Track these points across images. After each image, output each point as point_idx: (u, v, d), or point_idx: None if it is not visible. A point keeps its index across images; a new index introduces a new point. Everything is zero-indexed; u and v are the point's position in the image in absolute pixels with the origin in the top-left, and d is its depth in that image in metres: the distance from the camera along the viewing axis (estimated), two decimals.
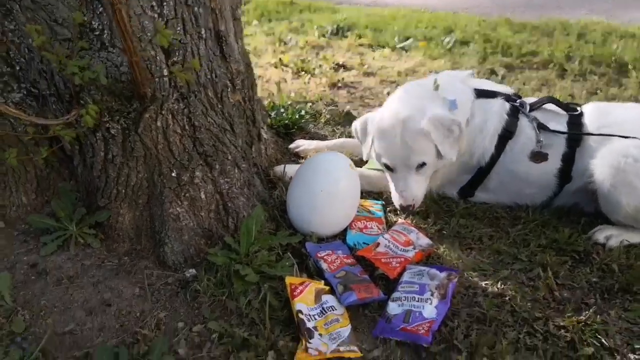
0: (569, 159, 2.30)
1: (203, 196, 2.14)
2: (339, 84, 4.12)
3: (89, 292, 1.99)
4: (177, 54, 1.98)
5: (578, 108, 2.39)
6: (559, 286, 1.96)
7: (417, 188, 2.28)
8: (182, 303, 1.96)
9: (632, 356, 1.71)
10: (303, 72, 4.38)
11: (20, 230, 2.28)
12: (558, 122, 2.34)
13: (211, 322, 1.81)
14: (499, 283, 1.98)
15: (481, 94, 2.40)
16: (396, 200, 2.33)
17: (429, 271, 1.96)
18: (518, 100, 2.41)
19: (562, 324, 1.79)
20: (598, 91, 3.69)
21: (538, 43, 4.71)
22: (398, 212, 2.40)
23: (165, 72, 1.93)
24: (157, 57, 1.93)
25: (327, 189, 2.14)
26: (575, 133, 2.28)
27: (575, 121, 2.32)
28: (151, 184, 2.11)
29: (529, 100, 2.45)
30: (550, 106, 2.40)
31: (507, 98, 2.40)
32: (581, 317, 1.80)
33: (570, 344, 1.75)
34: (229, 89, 2.24)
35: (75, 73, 1.70)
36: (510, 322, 1.82)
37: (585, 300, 1.90)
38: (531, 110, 2.38)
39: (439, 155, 2.24)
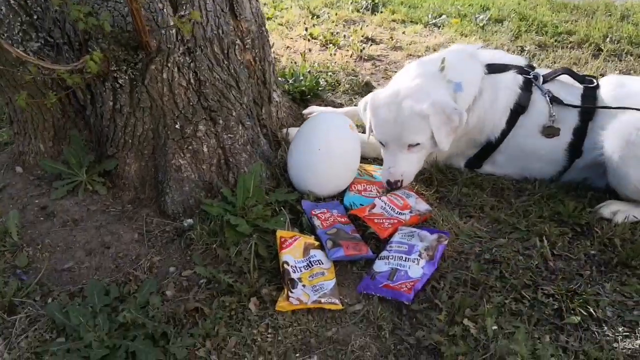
0: (580, 133, 2.22)
1: (205, 150, 2.19)
2: (365, 57, 4.09)
3: (91, 235, 2.08)
4: (184, 7, 2.02)
5: (594, 80, 2.29)
6: (554, 256, 1.91)
7: (406, 165, 2.20)
8: (176, 250, 2.02)
9: (621, 328, 1.65)
10: (330, 45, 4.36)
11: (37, 175, 2.40)
12: (572, 94, 2.26)
13: (199, 268, 1.87)
14: (493, 250, 1.95)
15: (492, 68, 2.31)
16: (383, 175, 2.25)
17: (419, 232, 1.94)
18: (532, 73, 2.32)
19: (551, 292, 1.75)
20: (632, 72, 3.52)
21: (576, 23, 4.52)
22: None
23: (171, 23, 1.97)
24: (164, 10, 1.97)
25: (325, 147, 2.15)
26: (588, 107, 2.20)
27: (590, 94, 2.23)
28: (156, 135, 2.17)
29: (543, 71, 2.37)
30: (565, 78, 2.32)
31: (520, 71, 2.32)
32: (571, 286, 1.75)
33: (557, 312, 1.71)
34: (237, 47, 2.27)
35: (80, 19, 1.76)
36: (497, 287, 1.80)
37: (580, 272, 1.84)
38: (545, 82, 2.30)
39: (433, 140, 2.17)
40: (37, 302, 1.80)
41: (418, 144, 2.17)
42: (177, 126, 2.13)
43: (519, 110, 2.26)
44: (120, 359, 1.56)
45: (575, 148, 2.23)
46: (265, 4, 5.37)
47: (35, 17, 2.13)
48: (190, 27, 1.88)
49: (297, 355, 1.61)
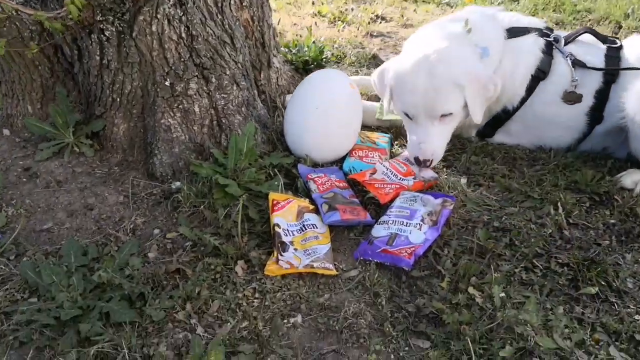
0: (603, 96, 2.05)
1: (197, 109, 2.05)
2: (374, 34, 3.94)
3: (74, 197, 1.97)
4: None
5: (617, 41, 2.12)
6: (570, 226, 1.76)
7: (438, 140, 2.00)
8: (162, 212, 1.89)
9: None
10: (339, 22, 4.22)
11: (24, 138, 2.29)
12: (595, 55, 2.10)
13: (184, 228, 1.74)
14: (503, 218, 1.79)
15: (513, 32, 2.14)
16: (412, 152, 2.01)
17: (422, 197, 1.80)
18: (552, 35, 2.16)
19: (565, 261, 1.60)
20: None
21: (596, 2, 4.32)
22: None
23: None
24: None
25: (323, 106, 1.99)
26: (613, 69, 2.03)
27: (614, 54, 2.07)
28: (145, 93, 2.05)
29: (564, 33, 2.21)
30: (587, 38, 2.15)
31: (541, 33, 2.16)
32: (588, 255, 1.59)
33: (572, 282, 1.56)
34: (233, 2, 2.14)
35: None
36: (506, 255, 1.65)
37: (598, 242, 1.68)
38: (566, 43, 2.14)
39: (465, 110, 2.00)
40: (11, 262, 1.69)
41: (451, 113, 1.97)
42: (166, 83, 2.00)
43: (540, 76, 2.10)
44: (93, 320, 1.44)
45: (597, 113, 2.07)
46: None
47: None
48: None
49: (285, 321, 1.47)
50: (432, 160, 2.00)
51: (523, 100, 2.14)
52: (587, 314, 1.45)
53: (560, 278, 1.56)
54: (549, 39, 2.14)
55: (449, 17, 2.25)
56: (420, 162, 1.99)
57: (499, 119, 2.21)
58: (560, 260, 1.61)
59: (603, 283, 1.53)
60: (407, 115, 2.04)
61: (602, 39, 2.13)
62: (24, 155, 2.18)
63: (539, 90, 2.11)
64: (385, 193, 1.86)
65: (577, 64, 2.07)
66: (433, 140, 1.99)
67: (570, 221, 1.77)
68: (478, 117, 2.00)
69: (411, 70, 1.98)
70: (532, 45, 2.12)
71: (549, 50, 2.12)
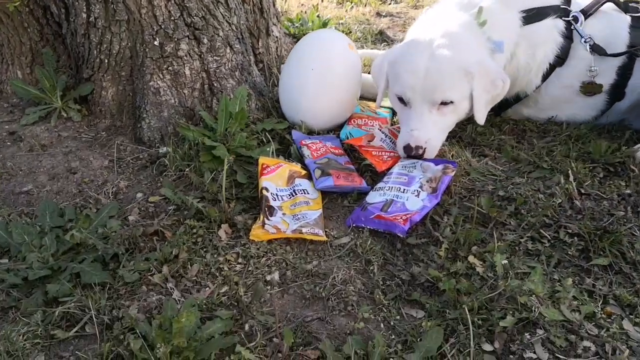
0: (625, 72, 1.90)
1: (187, 72, 1.95)
2: (383, 13, 3.81)
3: (58, 160, 1.88)
4: None
5: None
6: (582, 196, 1.62)
7: (434, 130, 1.75)
8: (147, 177, 1.80)
9: None
10: (348, 2, 4.10)
11: (12, 104, 2.22)
12: (618, 27, 1.94)
13: (166, 190, 1.64)
14: (509, 187, 1.66)
15: (529, 17, 1.93)
16: (402, 138, 1.77)
17: (422, 163, 1.67)
18: (572, 14, 1.95)
19: (576, 231, 1.46)
20: None
21: None
22: None
23: None
24: None
25: (320, 67, 1.87)
26: (636, 51, 1.87)
27: (639, 24, 1.92)
28: (134, 54, 1.95)
29: (581, 1, 2.04)
30: (609, 8, 1.99)
31: (559, 12, 1.95)
32: (601, 225, 1.46)
33: (583, 252, 1.42)
34: None
35: None
36: (511, 225, 1.52)
37: (612, 212, 1.54)
38: (587, 15, 1.95)
39: (468, 103, 1.79)
40: None
41: (452, 102, 1.74)
42: (156, 43, 1.90)
43: (558, 62, 1.94)
44: (63, 281, 1.34)
45: (619, 90, 1.92)
46: None
47: None
48: None
49: (268, 288, 1.36)
50: (425, 149, 1.73)
51: (538, 87, 1.99)
52: (598, 286, 1.32)
53: (570, 248, 1.43)
54: (568, 19, 1.95)
55: (460, 1, 1.95)
56: (410, 150, 1.73)
57: (508, 103, 2.06)
58: (570, 230, 1.47)
59: (617, 254, 1.39)
60: (401, 101, 1.80)
61: (624, 7, 1.97)
62: (10, 119, 2.10)
63: (555, 75, 1.96)
64: (383, 161, 1.74)
65: (596, 50, 1.89)
66: (429, 129, 1.74)
67: (582, 191, 1.63)
68: (481, 117, 1.79)
69: (411, 51, 1.78)
70: (551, 31, 1.93)
71: (568, 32, 1.94)
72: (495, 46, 1.84)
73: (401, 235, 1.46)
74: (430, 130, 1.75)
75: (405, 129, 1.78)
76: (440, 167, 1.64)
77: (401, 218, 1.48)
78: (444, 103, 1.74)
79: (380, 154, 1.77)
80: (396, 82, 1.80)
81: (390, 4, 4.13)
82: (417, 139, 1.72)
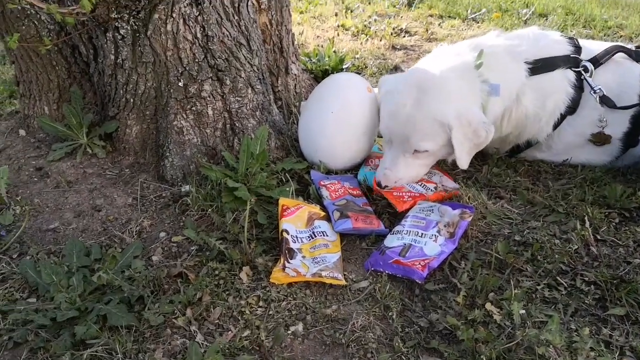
0: (639, 121, 1.92)
1: (210, 112, 2.01)
2: (397, 46, 3.88)
3: (83, 197, 1.93)
4: None
5: None
6: (597, 242, 1.64)
7: (405, 172, 1.85)
8: (170, 215, 1.84)
9: None
10: (362, 35, 4.18)
11: (39, 139, 2.28)
12: (629, 76, 1.95)
13: (189, 231, 1.68)
14: (525, 232, 1.69)
15: (536, 68, 1.93)
16: (378, 174, 1.87)
17: (440, 207, 1.70)
18: (581, 64, 1.96)
19: (592, 279, 1.48)
20: None
21: (629, 19, 4.20)
22: None
23: None
24: None
25: (339, 110, 1.93)
26: None
27: None
28: (159, 93, 2.01)
29: (592, 47, 2.05)
30: (620, 57, 2.01)
31: (569, 62, 1.95)
32: (617, 273, 1.48)
33: (600, 302, 1.44)
34: (250, 4, 2.09)
35: None
36: (528, 271, 1.54)
37: (628, 259, 1.56)
38: (597, 65, 1.96)
39: (446, 149, 1.83)
40: (13, 260, 1.65)
41: (427, 150, 1.82)
42: (180, 84, 1.96)
43: (569, 112, 1.96)
44: (90, 323, 1.38)
45: (632, 137, 1.95)
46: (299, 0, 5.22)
47: None
48: None
49: (288, 332, 1.39)
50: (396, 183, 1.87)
51: (549, 135, 2.01)
52: (615, 337, 1.34)
53: (587, 297, 1.44)
54: (578, 70, 1.95)
55: (472, 43, 1.99)
56: (381, 186, 1.85)
57: (520, 149, 2.10)
58: (586, 278, 1.49)
59: (633, 303, 1.41)
60: (384, 137, 1.90)
61: (636, 56, 2.00)
62: (37, 155, 2.17)
63: (567, 123, 1.97)
64: (403, 201, 1.77)
65: (605, 102, 1.90)
66: (400, 171, 1.84)
67: (598, 237, 1.65)
68: (463, 163, 1.81)
69: (398, 90, 1.84)
70: (561, 82, 1.94)
71: (579, 83, 1.94)
72: (491, 89, 1.85)
73: (419, 282, 1.49)
74: (401, 172, 1.85)
75: (382, 164, 1.89)
76: (457, 211, 1.67)
77: (419, 264, 1.51)
78: (419, 151, 1.81)
79: (400, 194, 1.80)
80: (381, 117, 1.90)
81: (404, 36, 4.20)
82: (387, 179, 1.84)
